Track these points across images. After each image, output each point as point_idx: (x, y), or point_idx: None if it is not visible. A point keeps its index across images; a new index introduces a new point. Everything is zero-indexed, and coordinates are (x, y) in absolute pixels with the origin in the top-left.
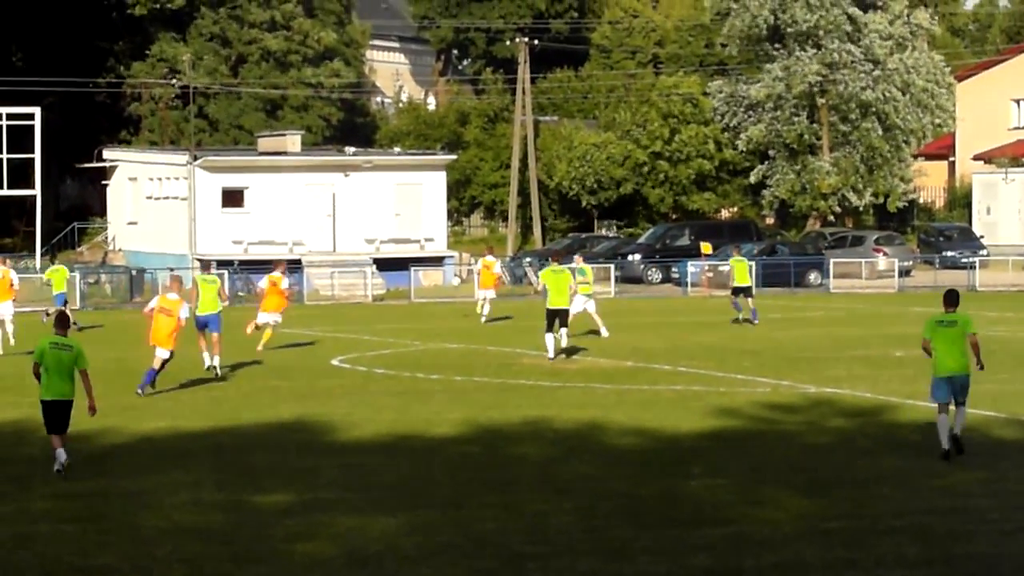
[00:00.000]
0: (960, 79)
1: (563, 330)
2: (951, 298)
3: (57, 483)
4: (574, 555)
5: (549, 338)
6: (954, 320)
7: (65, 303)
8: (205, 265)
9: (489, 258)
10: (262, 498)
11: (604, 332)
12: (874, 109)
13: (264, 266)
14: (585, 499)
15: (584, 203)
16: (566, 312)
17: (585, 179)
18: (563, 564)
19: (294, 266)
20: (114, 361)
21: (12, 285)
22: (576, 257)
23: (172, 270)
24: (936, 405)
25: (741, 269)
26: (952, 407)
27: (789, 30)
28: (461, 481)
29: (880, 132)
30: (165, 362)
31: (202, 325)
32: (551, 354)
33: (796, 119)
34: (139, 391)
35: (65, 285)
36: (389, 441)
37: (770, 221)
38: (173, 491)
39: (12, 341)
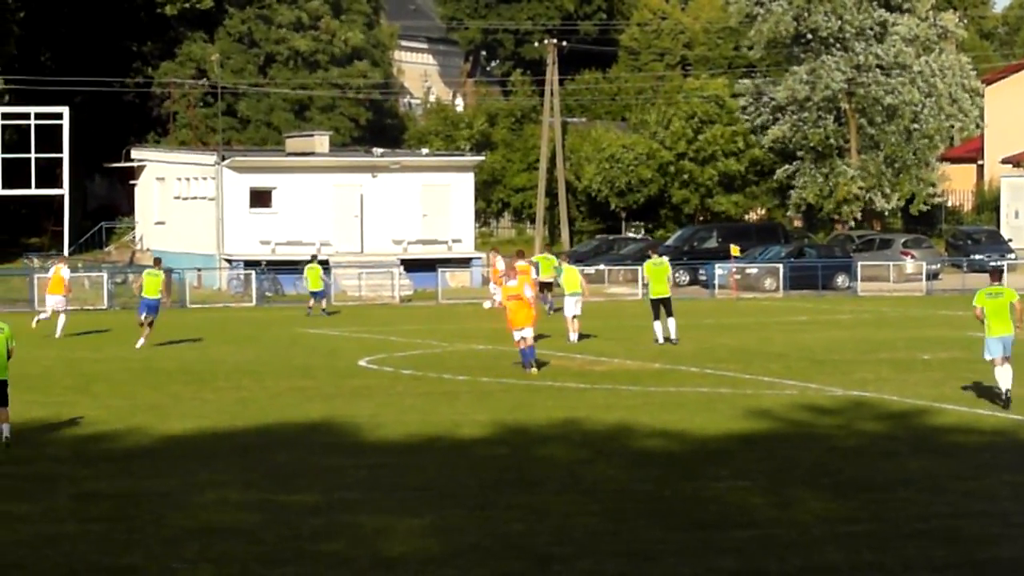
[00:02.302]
0: (989, 82)
1: (671, 319)
2: (997, 273)
3: (84, 483)
4: (600, 557)
5: (656, 325)
6: (1001, 291)
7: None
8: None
9: (522, 263)
10: (288, 498)
11: (573, 337)
12: (899, 112)
13: (292, 267)
14: (611, 501)
15: (613, 206)
16: (669, 300)
17: (615, 181)
18: (589, 566)
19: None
20: (140, 361)
21: (65, 282)
22: (562, 257)
23: (199, 270)
24: (991, 359)
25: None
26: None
27: (813, 35)
28: (487, 482)
29: (905, 135)
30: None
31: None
32: (659, 339)
33: (822, 122)
34: None
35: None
36: (415, 442)
37: (798, 223)
38: (200, 491)
39: (58, 334)
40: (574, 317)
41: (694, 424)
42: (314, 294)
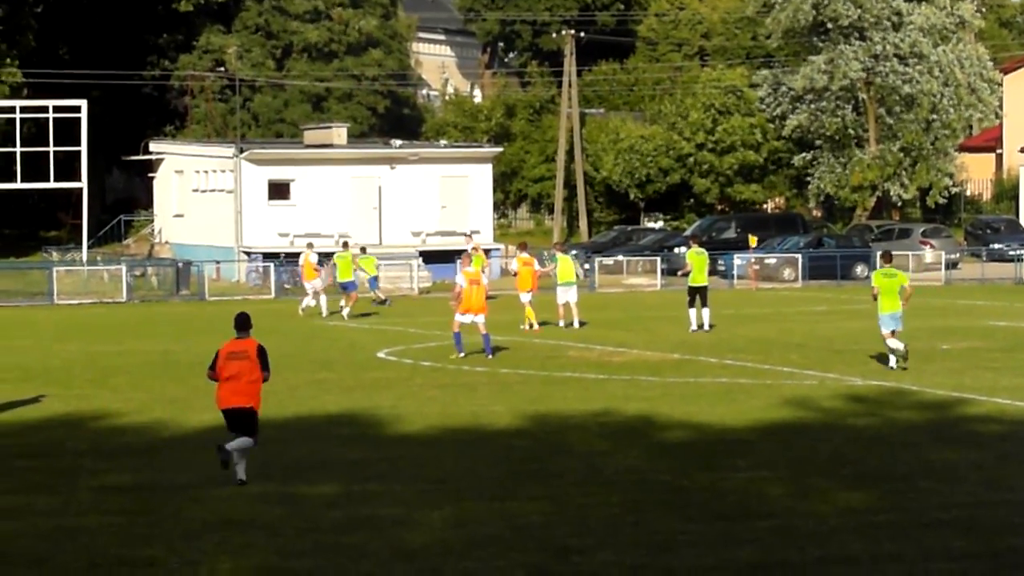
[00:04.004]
0: (1008, 71)
1: (705, 310)
2: (888, 256)
3: (104, 476)
4: (620, 548)
5: (692, 312)
6: (894, 273)
7: None
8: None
9: (524, 255)
10: (308, 490)
11: (576, 323)
12: (918, 102)
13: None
14: (631, 492)
15: (632, 196)
16: (705, 289)
17: (634, 172)
18: (609, 557)
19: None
20: (159, 354)
21: (315, 267)
22: (554, 248)
23: (218, 263)
24: (885, 333)
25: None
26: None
27: (832, 24)
28: (507, 474)
29: (924, 125)
30: None
31: None
32: (693, 326)
33: (840, 111)
34: None
35: None
36: (435, 434)
37: (817, 213)
38: (219, 483)
39: (324, 313)
40: (566, 304)
41: (713, 415)
42: (343, 286)
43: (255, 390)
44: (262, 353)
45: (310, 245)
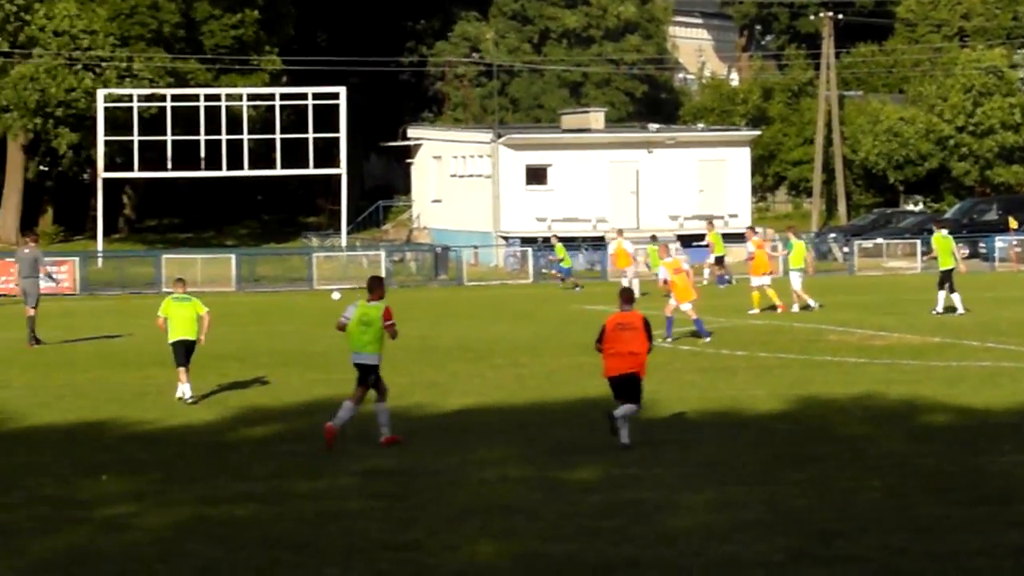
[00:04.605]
0: None
1: (954, 295)
2: None
3: (365, 460)
4: (883, 532)
5: (940, 294)
6: None
7: None
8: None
9: (756, 238)
10: (569, 475)
11: (811, 303)
12: None
13: (567, 244)
14: (894, 476)
15: (892, 179)
16: (950, 272)
17: (893, 154)
18: (872, 541)
19: (597, 243)
20: (418, 339)
21: (630, 253)
22: (788, 232)
23: (476, 248)
24: None
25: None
26: None
27: None
28: (768, 458)
29: None
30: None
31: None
32: (938, 308)
33: None
34: None
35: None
36: (695, 418)
37: None
38: (479, 468)
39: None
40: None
41: (977, 398)
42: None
43: (641, 359)
44: (647, 325)
45: (620, 232)
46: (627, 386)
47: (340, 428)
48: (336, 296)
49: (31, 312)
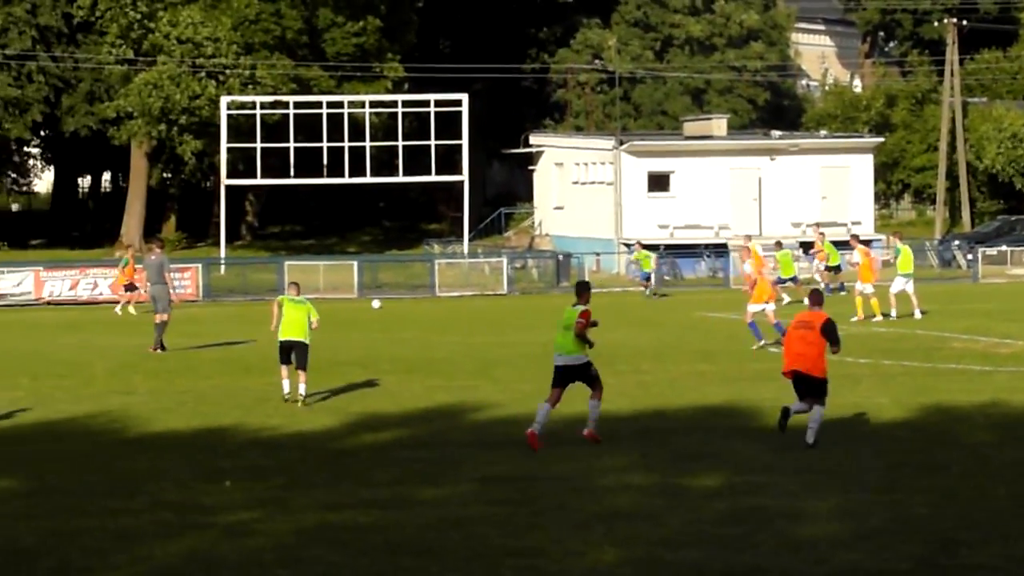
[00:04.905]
0: None
1: None
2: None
3: (486, 466)
4: (1008, 541)
5: None
6: None
7: None
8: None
9: (863, 246)
10: (691, 481)
11: (918, 313)
12: None
13: (690, 251)
14: (1019, 484)
15: (1018, 186)
16: None
17: (1017, 161)
18: (997, 550)
19: (720, 250)
20: (541, 345)
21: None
22: (894, 237)
23: (598, 255)
24: None
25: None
26: None
27: None
28: (892, 465)
29: None
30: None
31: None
32: None
33: None
34: None
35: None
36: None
37: None
38: (602, 474)
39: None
40: (900, 293)
41: None
42: (781, 280)
43: (811, 359)
44: (828, 326)
45: (748, 237)
46: (804, 385)
47: (540, 431)
48: (376, 304)
49: (161, 318)
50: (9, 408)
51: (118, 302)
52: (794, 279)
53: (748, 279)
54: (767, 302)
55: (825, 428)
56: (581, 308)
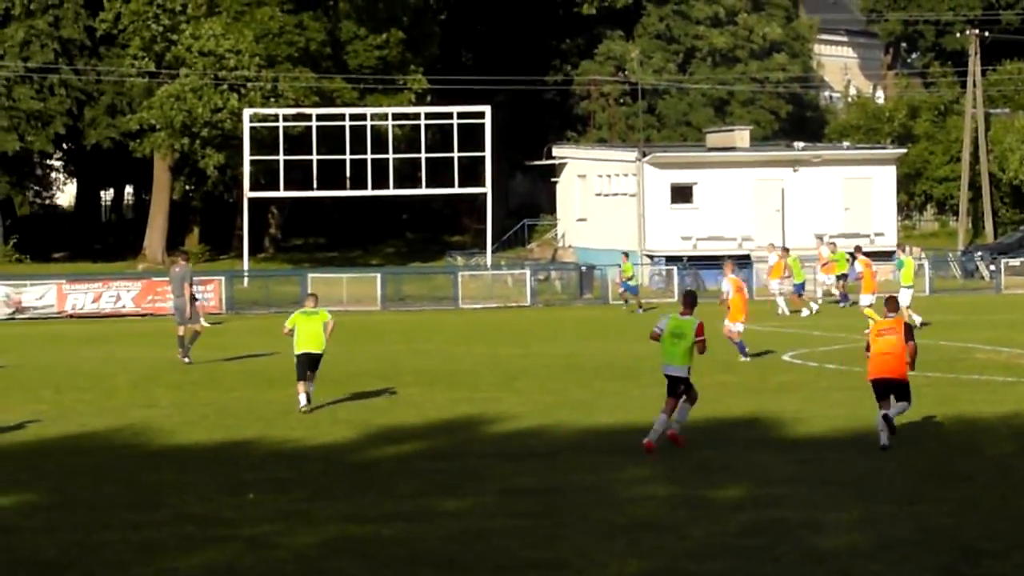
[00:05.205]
0: None
1: None
2: None
3: (510, 478)
4: None
5: None
6: None
7: None
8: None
9: (864, 257)
10: (715, 493)
11: (917, 320)
12: None
13: (713, 262)
14: None
15: None
16: None
17: None
18: (1020, 560)
19: (743, 262)
20: (563, 357)
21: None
22: (898, 250)
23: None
24: None
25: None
26: None
27: None
28: (915, 476)
29: None
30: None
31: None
32: None
33: None
34: None
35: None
36: (841, 436)
37: None
38: (625, 486)
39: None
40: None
41: None
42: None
43: (894, 362)
44: (908, 330)
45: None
46: (890, 390)
47: (656, 442)
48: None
49: (182, 331)
50: (22, 419)
51: (143, 315)
52: (802, 286)
53: (725, 295)
54: (741, 321)
55: (847, 440)
56: (695, 321)
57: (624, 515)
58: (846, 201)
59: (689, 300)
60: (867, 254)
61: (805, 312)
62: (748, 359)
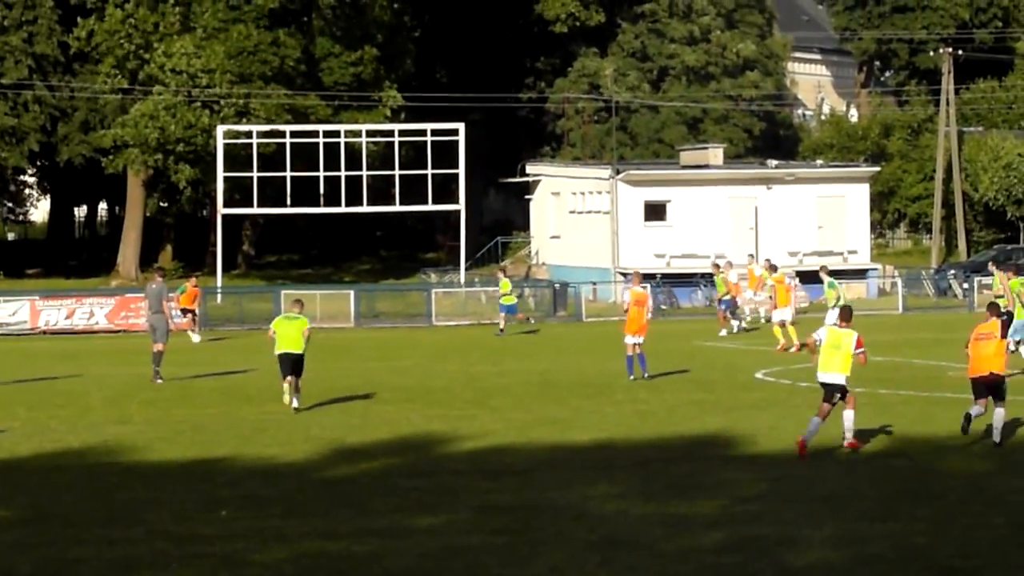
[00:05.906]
0: None
1: None
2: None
3: (485, 495)
4: (1007, 569)
5: None
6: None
7: None
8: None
9: (776, 274)
10: (689, 510)
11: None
12: None
13: (686, 280)
14: (1017, 512)
15: (1009, 214)
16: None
17: (1012, 190)
18: None
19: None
20: (538, 374)
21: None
22: (821, 272)
23: (595, 284)
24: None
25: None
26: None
27: None
28: (888, 494)
29: None
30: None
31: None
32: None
33: None
34: None
35: None
36: (814, 453)
37: None
38: (600, 503)
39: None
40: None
41: None
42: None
43: (993, 363)
44: (1004, 331)
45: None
46: (989, 388)
47: (809, 442)
48: (196, 339)
49: (158, 347)
50: None
51: (116, 331)
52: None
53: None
54: (636, 334)
55: (821, 456)
56: (853, 333)
57: (599, 532)
58: (820, 219)
59: (846, 314)
60: (842, 272)
61: (723, 332)
62: (634, 379)
